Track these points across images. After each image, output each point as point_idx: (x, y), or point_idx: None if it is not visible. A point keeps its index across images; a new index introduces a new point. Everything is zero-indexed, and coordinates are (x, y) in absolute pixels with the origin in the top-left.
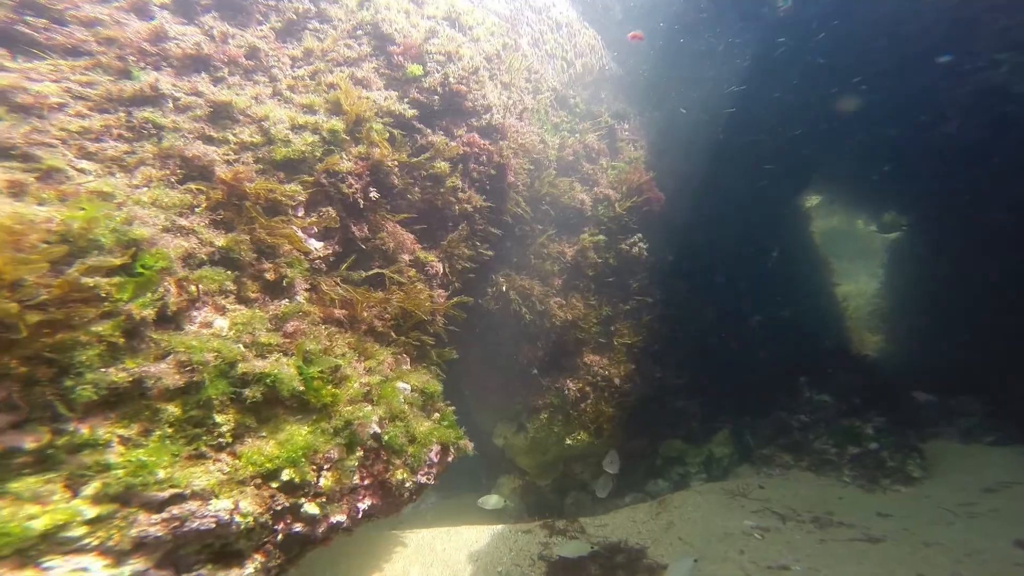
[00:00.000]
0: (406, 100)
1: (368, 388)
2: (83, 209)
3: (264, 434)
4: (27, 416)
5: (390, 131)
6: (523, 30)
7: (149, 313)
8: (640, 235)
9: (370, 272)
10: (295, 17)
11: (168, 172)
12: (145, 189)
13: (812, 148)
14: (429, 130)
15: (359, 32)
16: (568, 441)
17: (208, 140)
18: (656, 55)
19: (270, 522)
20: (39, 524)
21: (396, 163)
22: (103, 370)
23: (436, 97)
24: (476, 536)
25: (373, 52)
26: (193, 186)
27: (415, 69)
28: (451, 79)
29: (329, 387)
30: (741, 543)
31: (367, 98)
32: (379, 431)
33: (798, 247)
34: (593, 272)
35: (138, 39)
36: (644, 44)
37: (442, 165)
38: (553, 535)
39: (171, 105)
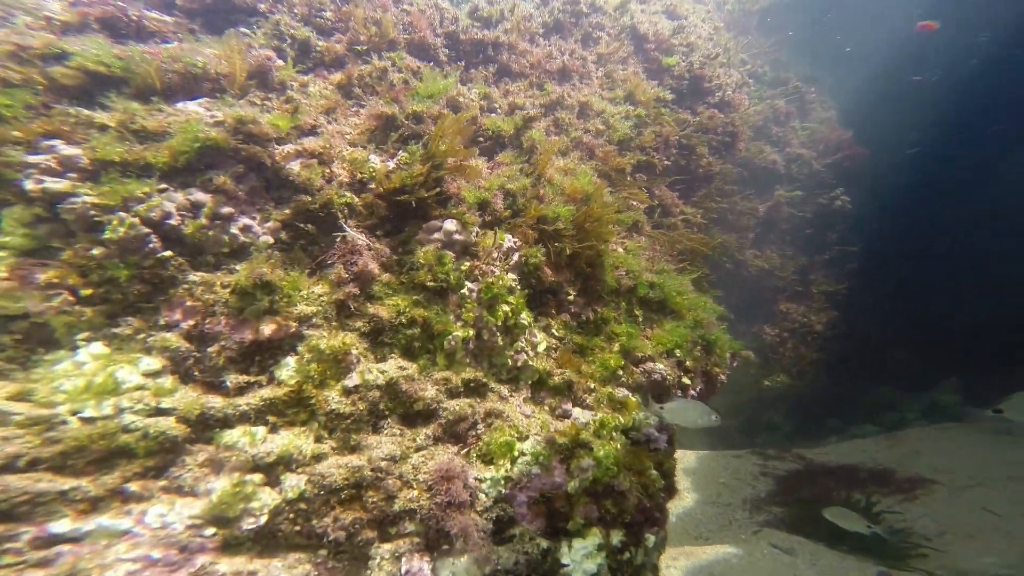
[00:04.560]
0: (661, 86)
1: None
2: None
3: (663, 326)
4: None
5: (660, 110)
6: (718, 14)
7: None
8: (841, 189)
9: (656, 222)
10: (589, 30)
11: (580, 152)
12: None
13: None
14: (679, 108)
15: (622, 35)
16: (766, 382)
17: (585, 131)
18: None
19: (673, 383)
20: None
21: (677, 137)
22: None
23: (685, 82)
24: (683, 457)
25: (634, 50)
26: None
27: (670, 60)
28: (695, 65)
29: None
30: None
31: (647, 87)
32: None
33: None
34: (787, 225)
35: (547, 64)
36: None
37: (696, 137)
38: (767, 460)
39: (568, 105)
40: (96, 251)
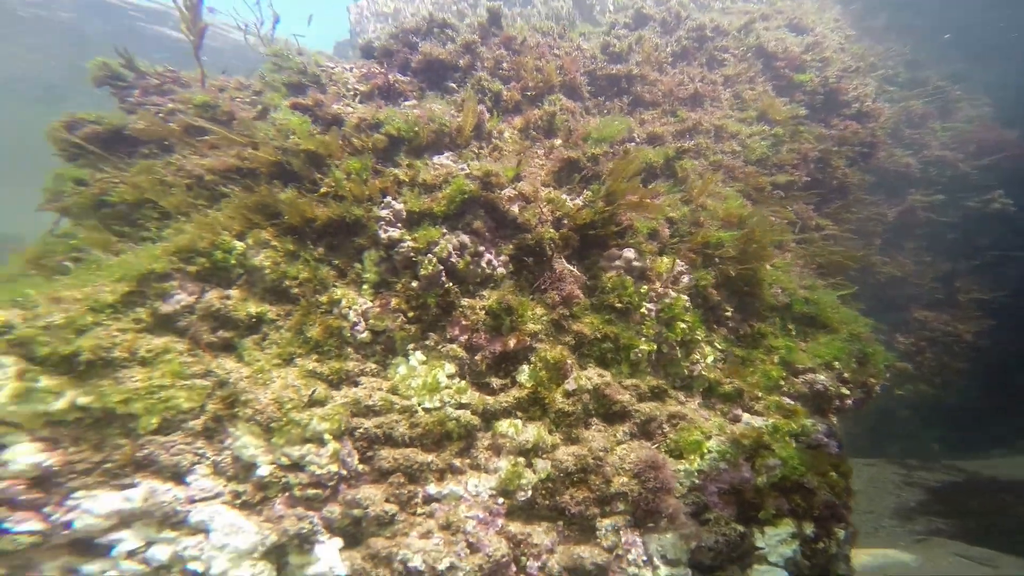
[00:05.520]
0: (793, 102)
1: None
2: None
3: (817, 340)
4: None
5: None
6: (846, 20)
7: None
8: (1001, 191)
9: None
10: (714, 53)
11: (721, 174)
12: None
13: None
14: (811, 123)
15: (749, 55)
16: (898, 391)
17: (723, 153)
18: None
19: (834, 393)
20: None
21: (816, 152)
22: None
23: (819, 96)
24: None
25: (762, 68)
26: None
27: (803, 76)
28: (830, 79)
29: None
30: None
31: (780, 105)
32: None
33: None
34: (923, 231)
35: (678, 91)
36: None
37: (833, 151)
38: (911, 470)
39: (703, 129)
40: (414, 284)
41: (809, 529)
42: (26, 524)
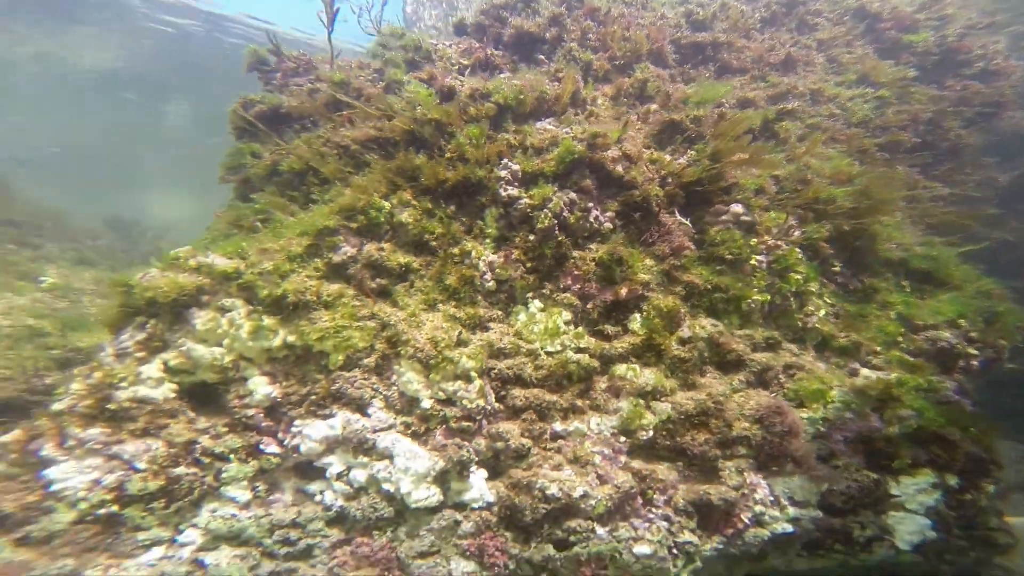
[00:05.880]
0: (899, 64)
1: None
2: None
3: (936, 297)
4: None
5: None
6: None
7: None
8: None
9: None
10: (806, 17)
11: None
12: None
13: None
14: (922, 85)
15: (845, 18)
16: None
17: (820, 117)
18: None
19: (961, 352)
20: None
21: (928, 114)
22: None
23: (932, 57)
24: None
25: (863, 31)
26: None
27: (915, 37)
28: (949, 38)
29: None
30: None
31: (885, 68)
32: None
33: None
34: None
35: (769, 56)
36: None
37: (947, 112)
38: None
39: (798, 93)
40: (531, 237)
41: (953, 480)
42: (271, 447)
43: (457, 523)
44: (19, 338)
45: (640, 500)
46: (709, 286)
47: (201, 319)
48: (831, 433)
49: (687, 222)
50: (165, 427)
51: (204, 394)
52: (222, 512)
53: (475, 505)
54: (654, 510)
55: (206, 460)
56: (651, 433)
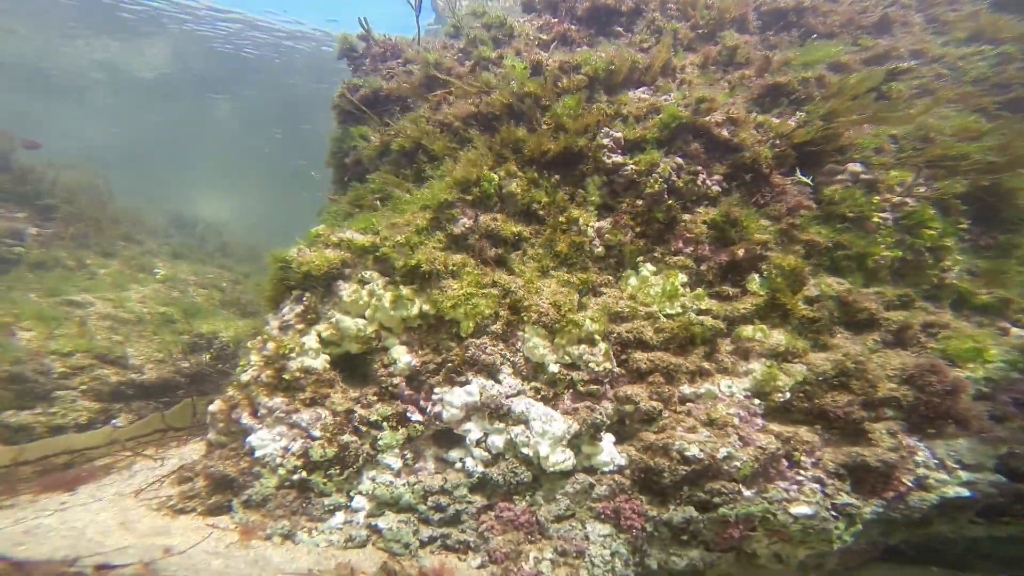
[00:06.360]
0: None
1: None
2: None
3: None
4: None
5: None
6: None
7: None
8: None
9: None
10: None
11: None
12: None
13: None
14: None
15: None
16: None
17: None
18: None
19: None
20: None
21: None
22: None
23: None
24: None
25: None
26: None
27: None
28: None
29: None
30: None
31: (1006, 22)
32: None
33: None
34: None
35: (861, 19)
36: None
37: None
38: None
39: (897, 55)
40: (639, 202)
41: None
42: (415, 415)
43: (591, 486)
44: (158, 324)
45: (785, 462)
46: (831, 244)
47: (346, 291)
48: (996, 394)
49: (808, 180)
50: (327, 396)
51: (348, 364)
52: (381, 479)
53: (606, 468)
54: (802, 472)
55: (363, 428)
56: (787, 395)
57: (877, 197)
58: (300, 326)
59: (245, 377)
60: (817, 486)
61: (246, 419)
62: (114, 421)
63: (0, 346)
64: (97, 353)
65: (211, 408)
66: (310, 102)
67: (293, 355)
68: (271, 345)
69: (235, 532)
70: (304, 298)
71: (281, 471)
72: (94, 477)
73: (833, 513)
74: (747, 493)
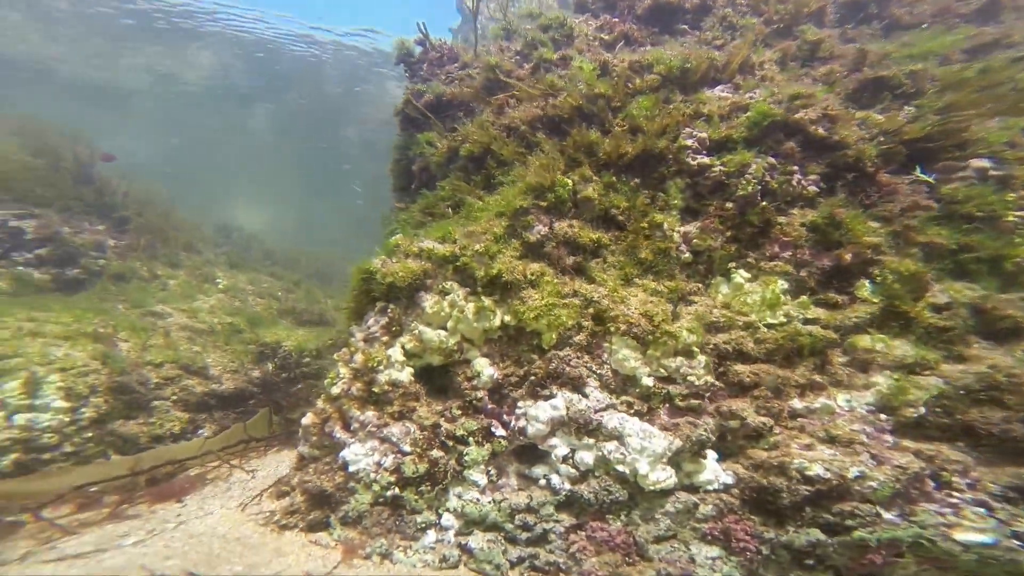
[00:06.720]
0: None
1: None
2: None
3: None
4: None
5: None
6: None
7: None
8: None
9: None
10: None
11: None
12: None
13: None
14: None
15: None
16: None
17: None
18: None
19: None
20: None
21: None
22: None
23: None
24: None
25: None
26: None
27: None
28: None
29: None
30: None
31: None
32: None
33: None
34: None
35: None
36: None
37: None
38: None
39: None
40: (728, 205)
41: None
42: (499, 430)
43: (695, 506)
44: (228, 334)
45: (931, 483)
46: (955, 246)
47: (429, 302)
48: None
49: (931, 178)
50: (413, 410)
51: (429, 377)
52: (468, 496)
53: (710, 487)
54: (956, 494)
55: (450, 443)
56: (922, 410)
57: (1012, 194)
58: (385, 338)
59: (335, 390)
60: (982, 509)
61: (339, 433)
62: (201, 431)
63: (108, 357)
64: (183, 364)
65: (304, 421)
66: (342, 110)
67: (381, 368)
68: (359, 357)
69: (337, 551)
70: (389, 310)
71: (375, 487)
72: (195, 488)
73: (1018, 543)
74: (888, 516)
